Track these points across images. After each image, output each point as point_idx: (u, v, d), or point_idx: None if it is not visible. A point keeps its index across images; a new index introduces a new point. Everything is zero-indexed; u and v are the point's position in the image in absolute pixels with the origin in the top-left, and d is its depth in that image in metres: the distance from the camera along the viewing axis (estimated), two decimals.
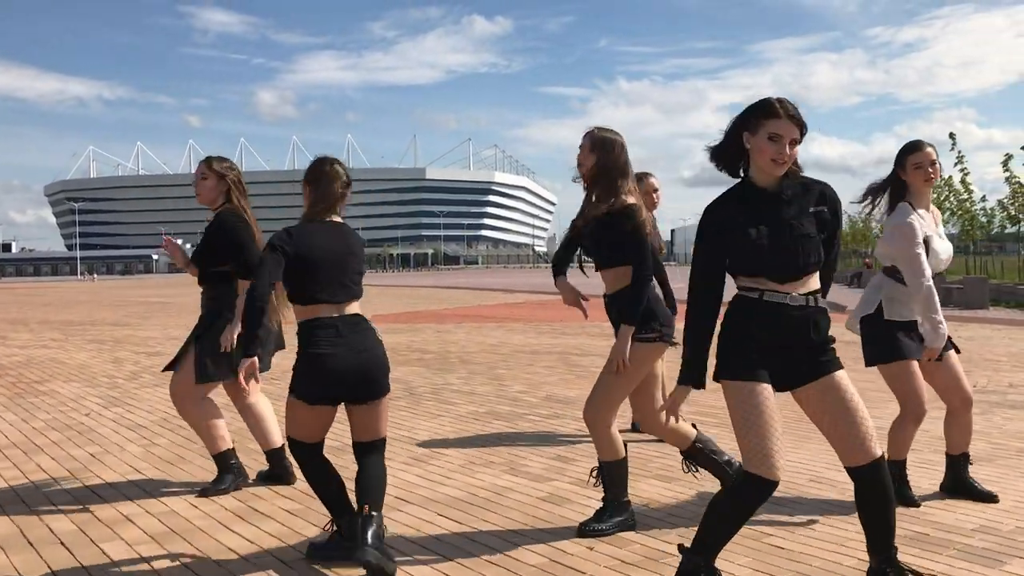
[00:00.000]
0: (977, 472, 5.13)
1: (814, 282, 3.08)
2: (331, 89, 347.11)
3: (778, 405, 3.03)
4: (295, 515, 4.39)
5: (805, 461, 5.41)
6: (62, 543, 4.02)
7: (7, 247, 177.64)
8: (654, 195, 5.95)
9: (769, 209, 3.03)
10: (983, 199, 32.13)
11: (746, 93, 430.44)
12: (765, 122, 2.98)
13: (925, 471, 5.09)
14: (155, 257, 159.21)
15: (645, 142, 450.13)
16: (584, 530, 4.00)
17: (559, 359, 10.89)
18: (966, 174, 31.93)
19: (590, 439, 5.09)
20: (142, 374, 10.20)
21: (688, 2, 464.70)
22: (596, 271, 4.19)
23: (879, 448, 3.04)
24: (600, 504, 4.14)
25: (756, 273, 3.02)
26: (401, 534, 4.07)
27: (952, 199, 33.56)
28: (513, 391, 8.39)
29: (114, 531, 4.19)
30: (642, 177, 5.64)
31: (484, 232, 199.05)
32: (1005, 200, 28.76)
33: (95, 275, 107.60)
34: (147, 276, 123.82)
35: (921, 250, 4.24)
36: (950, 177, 33.02)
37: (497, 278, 59.68)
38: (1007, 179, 27.92)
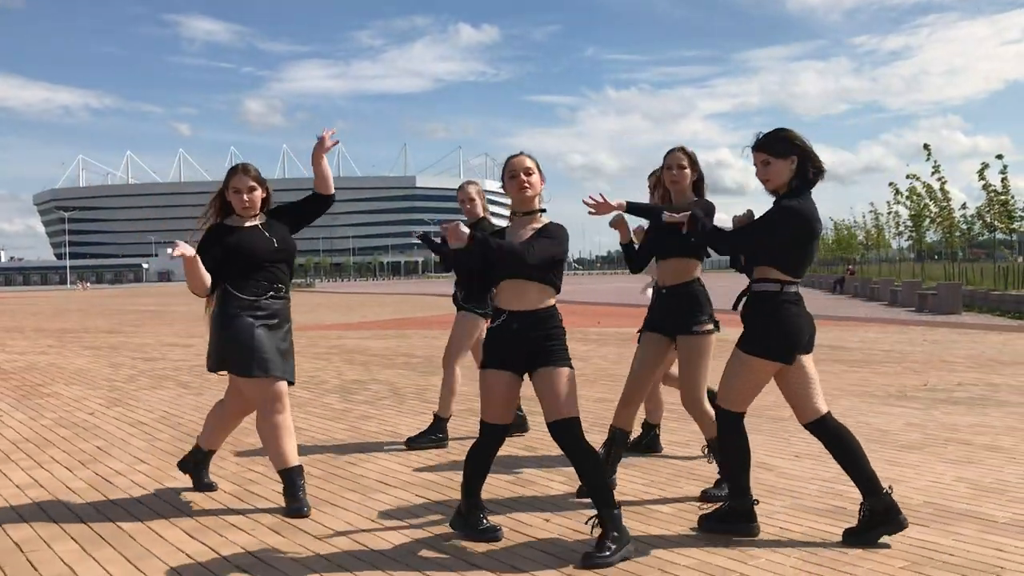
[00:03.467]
0: (905, 457, 5.70)
1: None
2: (319, 98, 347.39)
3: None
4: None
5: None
6: (81, 517, 4.52)
7: None
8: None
9: None
10: (963, 206, 32.89)
11: (734, 101, 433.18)
12: None
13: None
14: (145, 266, 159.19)
15: (635, 151, 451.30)
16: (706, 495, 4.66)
17: None
18: (944, 183, 32.72)
19: None
20: (139, 377, 10.67)
21: (674, 11, 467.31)
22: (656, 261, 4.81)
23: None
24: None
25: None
26: (388, 509, 4.59)
27: (932, 207, 34.33)
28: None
29: (127, 511, 4.69)
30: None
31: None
32: (981, 208, 29.42)
33: (87, 284, 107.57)
34: (137, 285, 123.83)
35: None
36: (928, 185, 33.83)
37: None
38: (983, 187, 28.63)
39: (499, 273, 3.94)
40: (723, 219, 4.74)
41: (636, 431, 5.50)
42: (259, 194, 4.68)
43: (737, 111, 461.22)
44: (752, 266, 4.08)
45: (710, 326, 4.67)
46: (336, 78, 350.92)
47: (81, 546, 4.07)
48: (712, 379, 4.58)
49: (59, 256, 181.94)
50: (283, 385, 4.61)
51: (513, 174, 3.99)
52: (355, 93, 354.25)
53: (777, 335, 3.91)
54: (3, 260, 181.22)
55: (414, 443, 6.20)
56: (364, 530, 4.27)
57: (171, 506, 4.76)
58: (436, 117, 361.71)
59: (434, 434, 6.26)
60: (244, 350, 4.48)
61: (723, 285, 11.53)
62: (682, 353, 4.70)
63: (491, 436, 4.04)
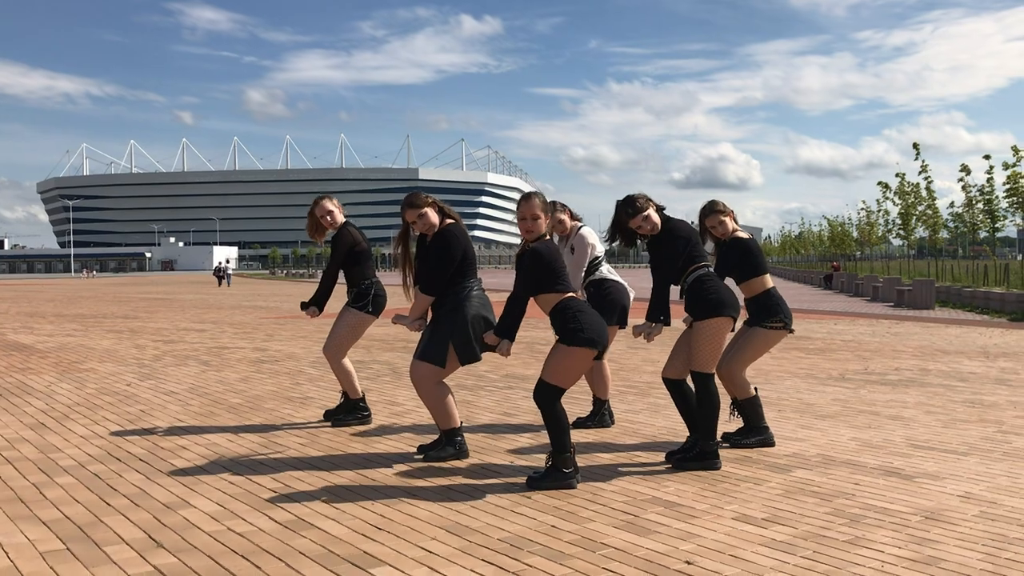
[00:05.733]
0: (817, 424, 6.82)
1: None
2: (321, 88, 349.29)
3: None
4: (306, 445, 6.04)
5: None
6: (141, 459, 5.66)
7: None
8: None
9: None
10: (951, 205, 33.93)
11: (737, 95, 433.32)
12: None
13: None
14: (148, 255, 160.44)
15: (636, 144, 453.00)
16: (734, 441, 5.95)
17: (526, 347, 12.56)
18: (930, 182, 33.80)
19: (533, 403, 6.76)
20: (164, 356, 11.83)
21: (678, 4, 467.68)
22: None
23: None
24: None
25: None
26: (385, 452, 5.74)
27: (919, 205, 35.39)
28: (480, 370, 10.06)
29: (175, 453, 5.84)
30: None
31: (477, 232, 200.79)
32: (961, 208, 30.41)
33: (93, 272, 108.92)
34: (141, 274, 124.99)
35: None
36: (917, 184, 34.91)
37: (487, 277, 61.13)
38: (962, 188, 29.68)
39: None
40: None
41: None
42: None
43: (740, 105, 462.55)
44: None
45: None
46: (338, 68, 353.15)
47: (145, 476, 5.21)
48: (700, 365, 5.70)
49: (62, 244, 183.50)
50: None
51: (523, 217, 5.06)
52: (357, 84, 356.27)
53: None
54: (7, 248, 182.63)
55: (333, 417, 6.86)
56: (367, 467, 5.41)
57: (211, 451, 5.91)
58: (439, 109, 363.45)
59: (356, 414, 6.87)
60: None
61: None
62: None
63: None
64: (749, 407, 5.97)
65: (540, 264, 4.86)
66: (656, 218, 5.45)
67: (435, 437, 5.97)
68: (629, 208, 5.42)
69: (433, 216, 5.63)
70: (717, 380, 5.57)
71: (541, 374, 4.89)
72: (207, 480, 5.11)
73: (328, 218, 6.81)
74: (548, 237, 5.06)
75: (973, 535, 4.02)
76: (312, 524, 4.25)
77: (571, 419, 6.16)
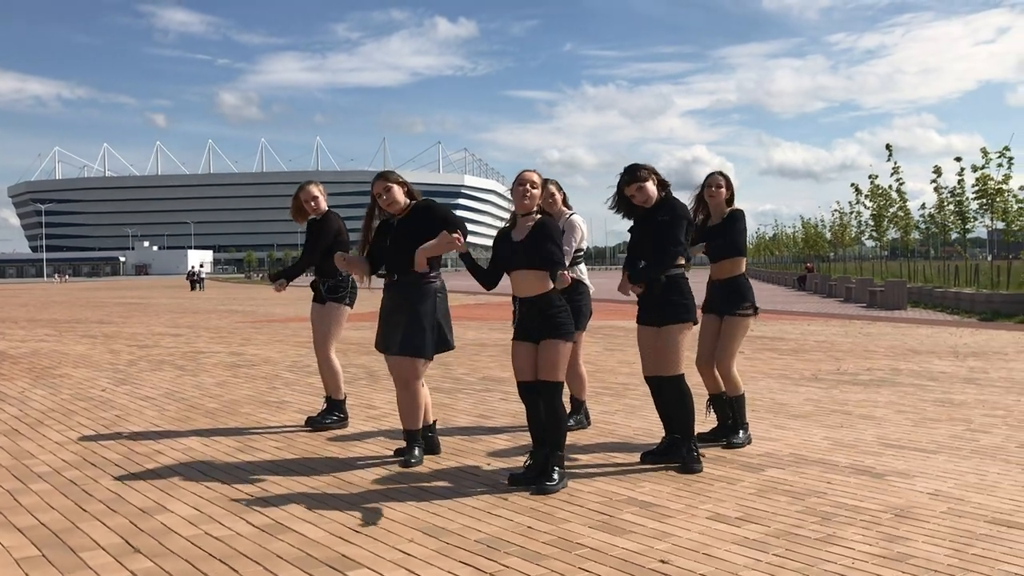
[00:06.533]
0: (790, 423, 6.90)
1: None
2: (296, 91, 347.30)
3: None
4: (282, 449, 6.04)
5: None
6: (117, 464, 5.65)
7: None
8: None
9: None
10: (922, 207, 34.31)
11: (711, 98, 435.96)
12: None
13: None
14: (122, 259, 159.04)
15: (612, 147, 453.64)
16: (730, 443, 5.98)
17: (503, 351, 12.59)
18: (901, 184, 34.18)
19: (516, 405, 6.80)
20: (139, 361, 11.76)
21: (652, 8, 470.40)
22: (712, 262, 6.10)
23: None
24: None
25: None
26: (362, 455, 5.75)
27: (892, 207, 35.77)
28: (457, 373, 10.09)
29: (151, 458, 5.82)
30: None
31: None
32: (933, 210, 30.79)
33: (65, 276, 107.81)
34: (114, 278, 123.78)
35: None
36: (888, 187, 35.29)
37: (465, 281, 61.14)
38: (934, 189, 30.04)
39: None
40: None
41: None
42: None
43: (714, 108, 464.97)
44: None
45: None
46: (313, 71, 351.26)
47: (121, 481, 5.20)
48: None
49: (35, 249, 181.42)
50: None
51: (520, 183, 5.10)
52: (332, 86, 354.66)
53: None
54: None
55: (315, 423, 6.78)
56: (344, 471, 5.43)
57: (187, 456, 5.89)
58: (414, 111, 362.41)
59: (334, 414, 6.84)
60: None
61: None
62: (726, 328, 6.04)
63: (527, 392, 5.03)
64: (738, 404, 6.05)
65: (557, 234, 4.98)
66: (652, 191, 5.43)
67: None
68: (627, 175, 5.43)
69: (399, 195, 5.55)
70: (698, 378, 5.65)
71: (546, 376, 4.91)
72: (183, 485, 5.11)
73: (312, 203, 6.82)
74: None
75: (941, 531, 4.10)
76: (289, 527, 4.26)
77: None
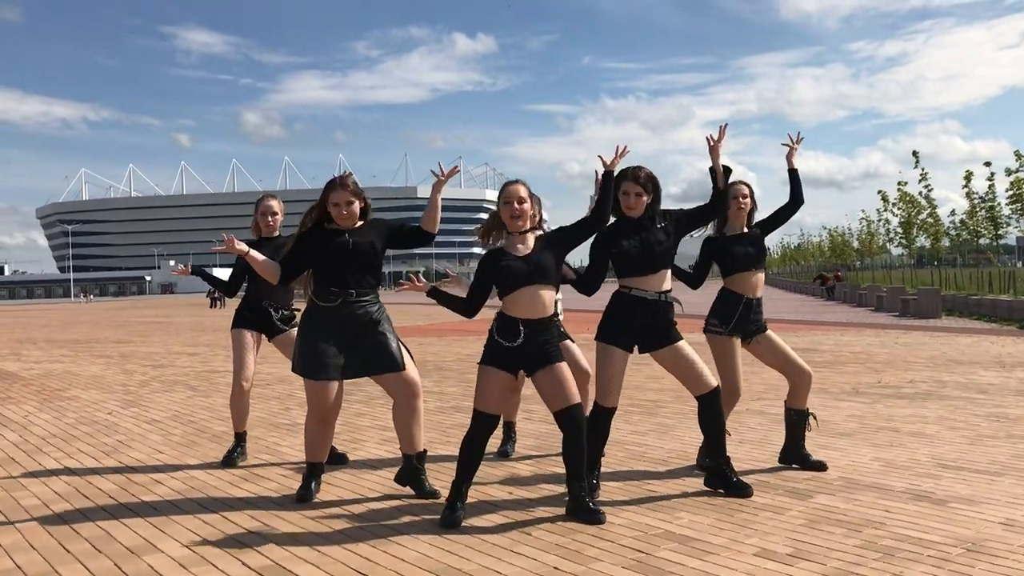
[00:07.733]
0: (835, 443, 6.41)
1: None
2: (318, 108, 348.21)
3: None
4: (288, 478, 5.63)
5: None
6: (111, 496, 5.25)
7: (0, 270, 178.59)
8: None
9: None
10: (952, 213, 33.58)
11: (732, 108, 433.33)
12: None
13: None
14: (148, 279, 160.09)
15: (633, 159, 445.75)
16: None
17: None
18: (930, 190, 33.47)
19: (538, 426, 6.35)
20: (151, 383, 11.42)
21: (670, 19, 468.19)
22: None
23: (714, 381, 4.84)
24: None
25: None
26: (372, 486, 5.32)
27: (921, 214, 35.03)
28: (455, 392, 9.64)
29: (149, 489, 5.42)
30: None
31: (476, 249, 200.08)
32: (966, 216, 30.06)
33: (90, 296, 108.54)
34: (141, 297, 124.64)
35: None
36: (919, 193, 34.55)
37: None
38: (966, 195, 29.34)
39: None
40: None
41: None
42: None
43: (735, 118, 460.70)
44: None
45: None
46: (334, 89, 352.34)
47: (112, 515, 4.80)
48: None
49: (62, 269, 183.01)
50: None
51: (508, 201, 4.64)
52: (353, 104, 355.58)
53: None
54: (7, 274, 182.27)
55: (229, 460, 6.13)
56: (353, 504, 5.00)
57: (187, 486, 5.49)
58: (434, 127, 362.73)
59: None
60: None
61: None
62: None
63: (489, 427, 4.53)
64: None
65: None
66: (643, 203, 4.91)
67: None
68: (629, 174, 4.95)
69: (356, 210, 4.98)
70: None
71: (574, 400, 4.47)
72: (178, 520, 4.70)
73: (271, 220, 6.21)
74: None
75: (1022, 569, 3.61)
76: (289, 570, 3.84)
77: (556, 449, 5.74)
